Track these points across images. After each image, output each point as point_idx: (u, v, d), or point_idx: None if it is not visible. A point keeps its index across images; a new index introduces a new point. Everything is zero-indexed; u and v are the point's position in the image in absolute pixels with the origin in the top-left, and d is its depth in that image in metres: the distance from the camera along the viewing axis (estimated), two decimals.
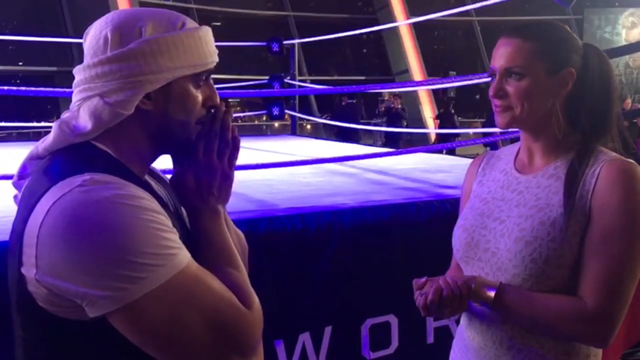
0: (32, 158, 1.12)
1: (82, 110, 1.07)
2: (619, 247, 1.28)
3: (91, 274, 0.91)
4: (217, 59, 1.14)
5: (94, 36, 1.08)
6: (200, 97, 1.12)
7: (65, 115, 1.10)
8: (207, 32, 1.12)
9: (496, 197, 1.46)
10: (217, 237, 1.12)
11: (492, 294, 1.34)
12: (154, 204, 1.00)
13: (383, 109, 13.52)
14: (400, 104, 13.43)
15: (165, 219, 1.00)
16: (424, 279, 1.39)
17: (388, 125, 12.47)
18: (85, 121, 1.06)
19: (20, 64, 14.65)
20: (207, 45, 1.11)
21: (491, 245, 1.40)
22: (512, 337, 1.38)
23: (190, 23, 1.12)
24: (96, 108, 1.05)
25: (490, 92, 1.40)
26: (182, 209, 1.20)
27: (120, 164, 1.07)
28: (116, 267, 0.92)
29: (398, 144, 12.12)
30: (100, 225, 0.92)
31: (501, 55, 1.39)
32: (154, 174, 1.25)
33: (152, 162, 1.17)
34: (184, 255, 0.99)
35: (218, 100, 1.15)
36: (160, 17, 1.09)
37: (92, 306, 0.93)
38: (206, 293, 1.00)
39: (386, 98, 15.48)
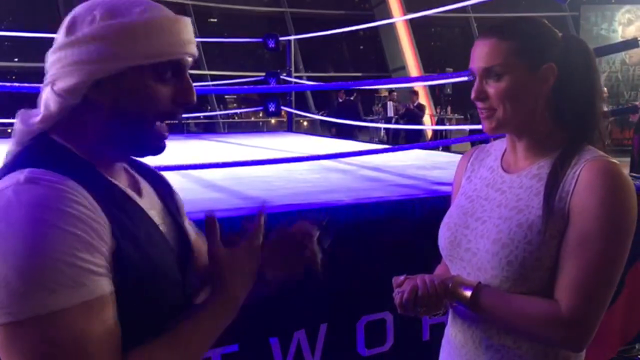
0: (7, 155, 1.06)
1: (39, 100, 1.03)
2: (596, 251, 1.24)
3: None
4: (189, 51, 1.05)
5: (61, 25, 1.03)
6: (164, 91, 1.02)
7: None
8: (173, 21, 1.03)
9: (480, 196, 1.44)
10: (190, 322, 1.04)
11: (468, 293, 1.32)
12: (81, 211, 0.90)
13: (403, 110, 13.45)
14: (415, 101, 13.35)
15: (85, 234, 0.89)
16: (402, 277, 1.38)
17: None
18: (38, 112, 1.02)
19: (16, 60, 14.62)
20: (171, 35, 1.02)
21: (472, 245, 1.39)
22: (490, 336, 1.37)
23: (155, 12, 1.02)
24: (47, 97, 1.01)
25: (472, 95, 1.36)
26: (180, 215, 1.19)
27: (75, 157, 1.01)
28: (6, 284, 0.85)
29: (397, 141, 12.12)
30: (9, 235, 0.86)
31: (479, 56, 1.35)
32: (143, 168, 1.20)
33: (118, 157, 1.08)
34: (69, 298, 0.87)
35: (194, 97, 1.06)
36: (118, 4, 1.01)
37: None
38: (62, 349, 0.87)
39: (383, 95, 15.47)
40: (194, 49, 1.06)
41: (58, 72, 1.00)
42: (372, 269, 2.55)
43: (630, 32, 18.27)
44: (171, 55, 1.02)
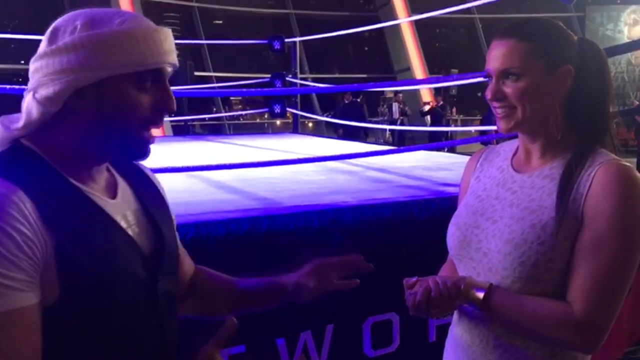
0: None
1: (22, 105, 1.06)
2: (610, 254, 1.24)
3: None
4: (169, 61, 1.07)
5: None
6: (144, 100, 1.05)
7: None
8: (153, 32, 1.04)
9: (491, 195, 1.43)
10: None
11: (480, 295, 1.32)
12: (14, 226, 0.92)
13: (425, 110, 13.84)
14: (439, 102, 13.70)
15: (8, 252, 0.91)
16: (414, 279, 1.37)
17: (433, 126, 12.64)
18: (19, 117, 1.05)
19: (22, 62, 14.68)
20: (148, 45, 1.03)
21: (483, 245, 1.38)
22: (498, 336, 1.36)
23: (135, 22, 1.04)
24: (28, 104, 1.04)
25: (488, 95, 1.36)
26: (162, 216, 1.19)
27: (41, 163, 1.03)
28: None
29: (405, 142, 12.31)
30: None
31: (496, 57, 1.35)
32: (129, 170, 1.20)
33: (99, 161, 1.10)
34: None
35: (174, 105, 1.08)
36: (99, 15, 1.03)
37: None
38: None
39: (389, 96, 15.47)
40: (173, 58, 1.08)
41: (40, 80, 1.02)
42: (378, 270, 2.55)
43: (636, 32, 18.24)
44: (151, 65, 1.04)
